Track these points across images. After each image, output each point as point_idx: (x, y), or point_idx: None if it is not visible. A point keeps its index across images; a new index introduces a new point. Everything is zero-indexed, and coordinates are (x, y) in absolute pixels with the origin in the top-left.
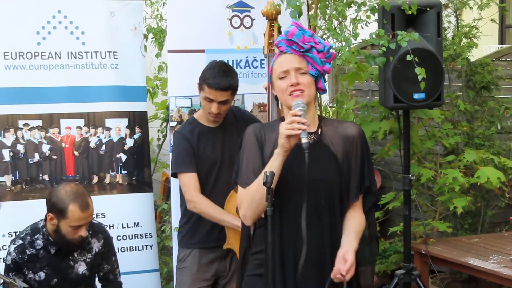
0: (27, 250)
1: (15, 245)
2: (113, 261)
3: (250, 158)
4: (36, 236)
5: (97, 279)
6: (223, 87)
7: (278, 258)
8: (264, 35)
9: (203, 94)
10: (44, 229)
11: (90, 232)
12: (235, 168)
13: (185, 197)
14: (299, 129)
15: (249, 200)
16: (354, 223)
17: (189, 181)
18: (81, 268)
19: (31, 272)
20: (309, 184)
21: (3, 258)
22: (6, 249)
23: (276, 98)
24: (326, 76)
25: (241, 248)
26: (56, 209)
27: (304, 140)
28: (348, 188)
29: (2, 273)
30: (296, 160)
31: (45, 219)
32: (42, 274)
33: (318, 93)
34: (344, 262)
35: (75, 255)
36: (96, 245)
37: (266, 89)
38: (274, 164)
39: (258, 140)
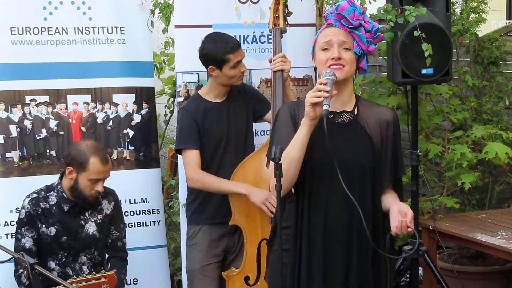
0: (41, 203)
1: (29, 198)
2: (121, 228)
3: (283, 134)
4: (50, 193)
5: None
6: (239, 43)
7: (306, 232)
8: (270, 9)
9: (229, 65)
10: (59, 187)
11: (101, 194)
12: (269, 145)
13: (185, 175)
14: (322, 97)
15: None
16: (393, 196)
17: (190, 158)
18: (91, 228)
19: (43, 226)
20: (342, 163)
21: (11, 234)
22: (14, 225)
23: (315, 69)
24: None
25: (272, 223)
26: (76, 162)
27: (325, 107)
28: (380, 173)
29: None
30: (329, 140)
31: (61, 177)
32: (53, 230)
33: (358, 73)
34: (404, 214)
35: (86, 215)
36: (106, 207)
37: (270, 62)
38: (300, 134)
39: (292, 116)
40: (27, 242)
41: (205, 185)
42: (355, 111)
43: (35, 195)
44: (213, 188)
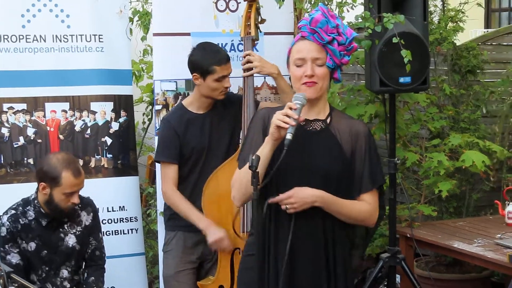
0: (20, 220)
1: (8, 215)
2: (100, 238)
3: (253, 143)
4: (27, 208)
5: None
6: (228, 57)
7: (273, 238)
8: (242, 17)
9: (213, 77)
10: (35, 201)
11: (80, 205)
12: (241, 150)
13: (161, 187)
14: (288, 124)
15: (238, 182)
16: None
17: (167, 172)
18: (71, 241)
19: (23, 242)
20: (304, 169)
21: None
22: None
23: (290, 79)
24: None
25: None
26: (49, 178)
27: (288, 137)
28: (349, 183)
29: None
30: (298, 147)
31: (36, 191)
32: (33, 245)
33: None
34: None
35: (66, 228)
36: (85, 218)
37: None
38: (263, 151)
39: (264, 125)
40: (13, 258)
41: (175, 205)
42: (328, 120)
43: (13, 211)
44: (180, 212)
